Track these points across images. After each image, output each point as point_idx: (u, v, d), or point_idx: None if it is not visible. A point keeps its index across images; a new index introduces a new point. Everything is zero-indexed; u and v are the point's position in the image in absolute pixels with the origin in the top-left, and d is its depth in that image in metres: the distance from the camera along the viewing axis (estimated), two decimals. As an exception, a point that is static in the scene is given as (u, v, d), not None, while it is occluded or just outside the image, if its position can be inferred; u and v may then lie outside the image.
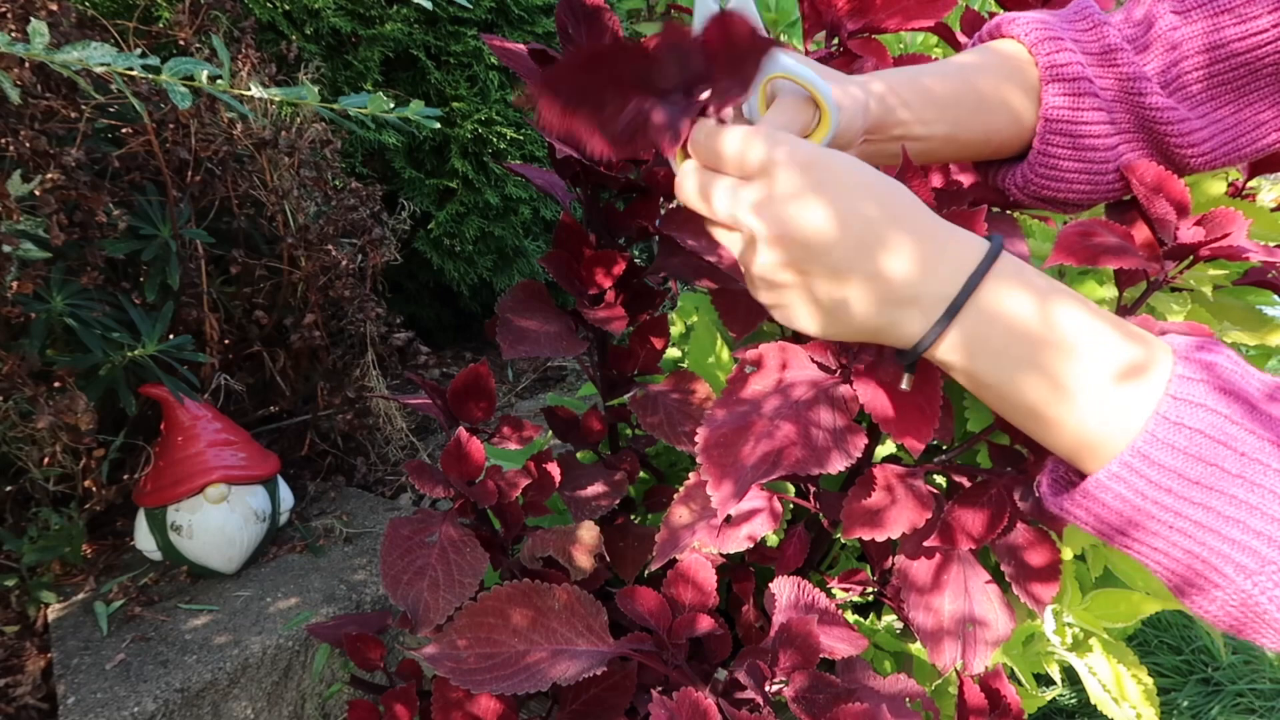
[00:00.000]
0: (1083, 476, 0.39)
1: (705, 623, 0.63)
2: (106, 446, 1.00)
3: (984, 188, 0.67)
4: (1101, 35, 0.57)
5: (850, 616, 0.91)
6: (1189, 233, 0.57)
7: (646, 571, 0.78)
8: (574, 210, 0.78)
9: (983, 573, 0.67)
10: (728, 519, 0.69)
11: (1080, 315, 0.38)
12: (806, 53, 0.76)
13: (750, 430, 0.55)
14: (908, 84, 0.55)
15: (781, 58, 0.47)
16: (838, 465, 0.54)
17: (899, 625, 0.91)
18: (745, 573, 0.84)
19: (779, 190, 0.39)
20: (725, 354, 0.99)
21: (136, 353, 0.92)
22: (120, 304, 0.95)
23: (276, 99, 0.75)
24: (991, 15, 0.92)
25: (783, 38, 1.04)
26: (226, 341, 1.13)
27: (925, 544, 0.63)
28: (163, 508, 0.98)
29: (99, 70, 0.64)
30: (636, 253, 1.79)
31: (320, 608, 0.98)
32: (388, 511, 1.20)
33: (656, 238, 0.78)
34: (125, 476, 1.05)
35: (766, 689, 0.59)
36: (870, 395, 0.55)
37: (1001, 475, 0.63)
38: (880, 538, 0.62)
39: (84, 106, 0.91)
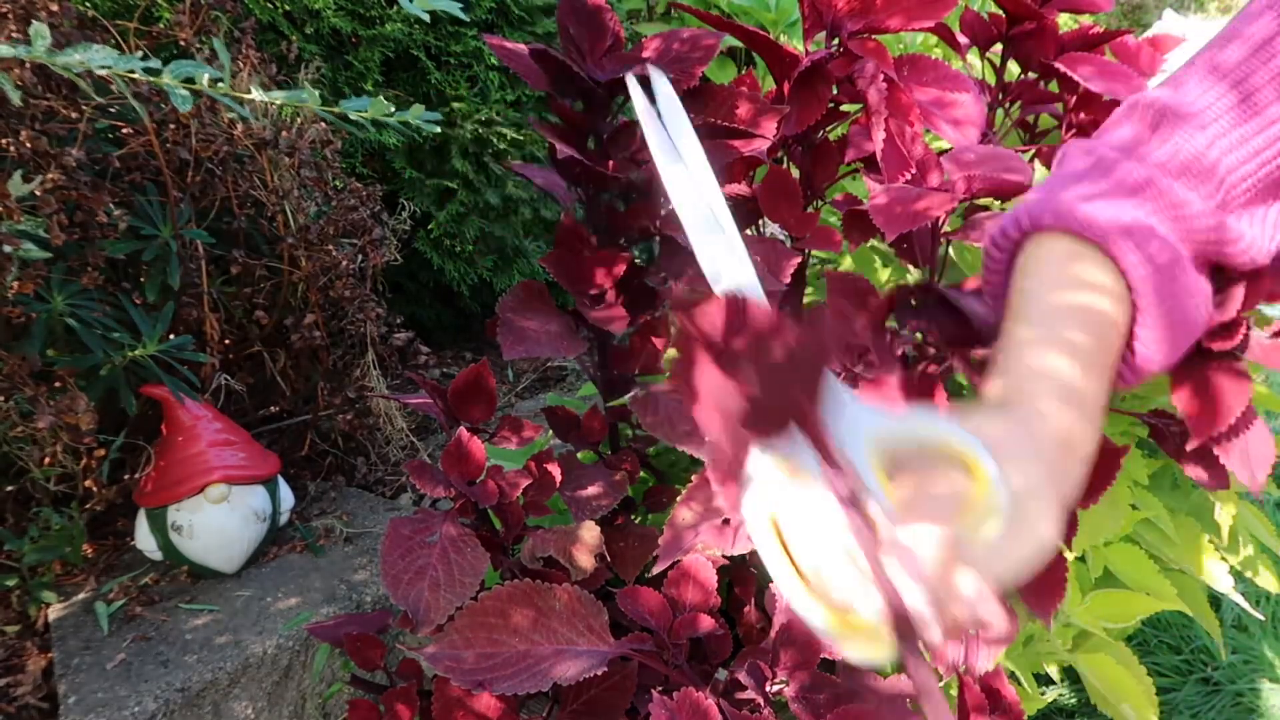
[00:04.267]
0: None
1: (706, 623, 0.63)
2: (107, 446, 1.00)
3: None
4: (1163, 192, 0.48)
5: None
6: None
7: (647, 572, 0.78)
8: (575, 210, 0.78)
9: (983, 573, 0.67)
10: (726, 520, 0.69)
11: None
12: (806, 53, 0.75)
13: (751, 431, 0.55)
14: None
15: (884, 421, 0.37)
16: (839, 466, 0.54)
17: (899, 625, 0.91)
18: (747, 573, 0.84)
19: None
20: (725, 354, 0.99)
21: (137, 353, 0.92)
22: (121, 304, 0.95)
23: (277, 102, 0.75)
24: (992, 16, 0.90)
25: (782, 38, 1.04)
26: (227, 341, 1.13)
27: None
28: (163, 508, 0.98)
29: (100, 72, 0.65)
30: (637, 253, 1.78)
31: (321, 608, 0.98)
32: (388, 511, 1.20)
33: (657, 238, 0.78)
34: (126, 476, 1.05)
35: (767, 689, 0.59)
36: (875, 400, 0.55)
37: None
38: (881, 538, 0.62)
39: (85, 107, 0.91)
